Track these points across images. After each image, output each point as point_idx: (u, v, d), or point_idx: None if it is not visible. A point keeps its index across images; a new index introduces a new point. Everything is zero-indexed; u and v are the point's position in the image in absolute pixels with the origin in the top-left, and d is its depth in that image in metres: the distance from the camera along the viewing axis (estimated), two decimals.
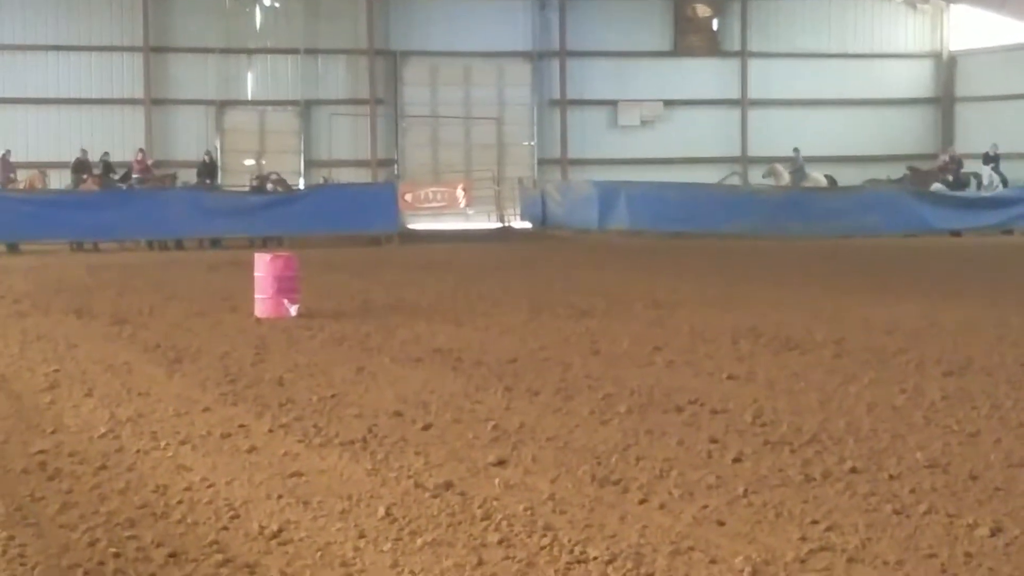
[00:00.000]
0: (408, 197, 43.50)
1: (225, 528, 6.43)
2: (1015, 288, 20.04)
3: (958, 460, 7.65)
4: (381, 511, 6.58)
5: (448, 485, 7.12)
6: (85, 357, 12.71)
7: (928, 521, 6.33)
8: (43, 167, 37.85)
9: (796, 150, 42.37)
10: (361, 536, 6.21)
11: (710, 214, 37.40)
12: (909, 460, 7.65)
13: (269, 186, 37.58)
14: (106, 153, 38.11)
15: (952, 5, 49.21)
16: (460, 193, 44.73)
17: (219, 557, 5.95)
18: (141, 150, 39.36)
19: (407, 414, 9.29)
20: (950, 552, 5.86)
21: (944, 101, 49.80)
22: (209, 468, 7.69)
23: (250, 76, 45.46)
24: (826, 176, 41.80)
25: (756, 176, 44.18)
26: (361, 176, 44.54)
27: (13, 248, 32.75)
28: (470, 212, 44.81)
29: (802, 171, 41.65)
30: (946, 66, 49.88)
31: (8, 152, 37.08)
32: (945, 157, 42.07)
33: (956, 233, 37.87)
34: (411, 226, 41.37)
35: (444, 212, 44.76)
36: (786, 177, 41.17)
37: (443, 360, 12.21)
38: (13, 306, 18.01)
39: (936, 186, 40.12)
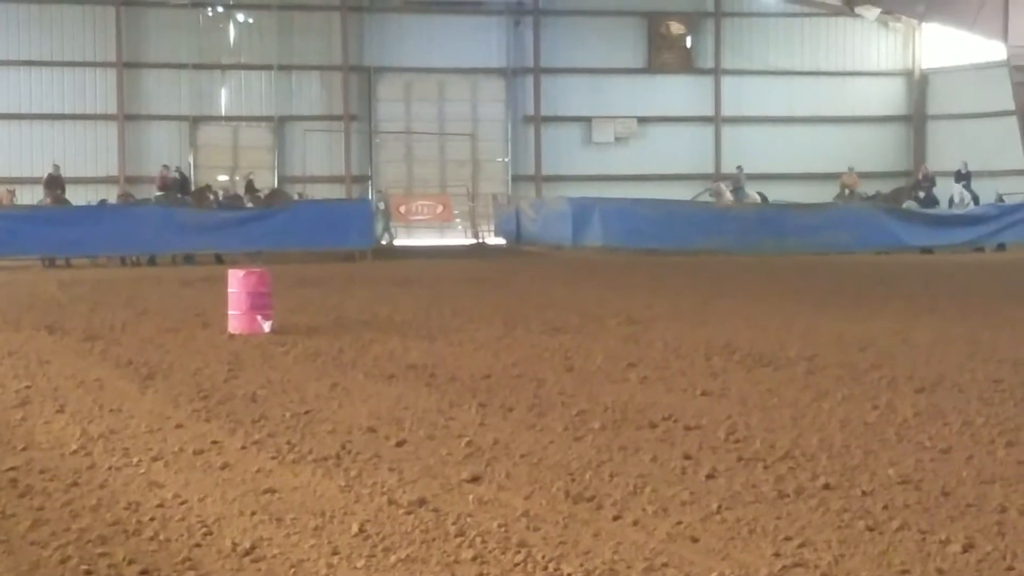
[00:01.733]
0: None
1: (198, 545, 6.40)
2: (986, 305, 20.12)
3: (930, 476, 7.67)
4: (355, 528, 6.57)
5: (422, 502, 7.11)
6: (57, 373, 12.65)
7: (901, 537, 6.35)
8: (14, 182, 37.70)
9: (739, 168, 42.75)
10: (335, 553, 6.19)
11: (684, 231, 37.50)
12: (882, 476, 7.66)
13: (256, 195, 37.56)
14: (177, 168, 38.29)
15: (924, 24, 49.47)
16: (438, 208, 44.87)
17: (192, 574, 5.92)
18: (165, 165, 39.38)
19: (381, 430, 9.27)
20: (922, 568, 5.87)
21: (916, 119, 50.06)
22: (182, 485, 7.66)
23: (223, 92, 45.44)
24: (758, 193, 42.03)
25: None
26: (335, 192, 44.52)
27: None
28: (458, 224, 44.94)
29: (743, 189, 41.94)
30: (918, 84, 50.16)
31: None
32: (924, 172, 42.47)
33: (928, 250, 38.04)
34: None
35: (436, 223, 44.86)
36: (728, 195, 41.41)
37: (417, 376, 12.19)
38: None
39: (908, 203, 40.33)
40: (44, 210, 35.33)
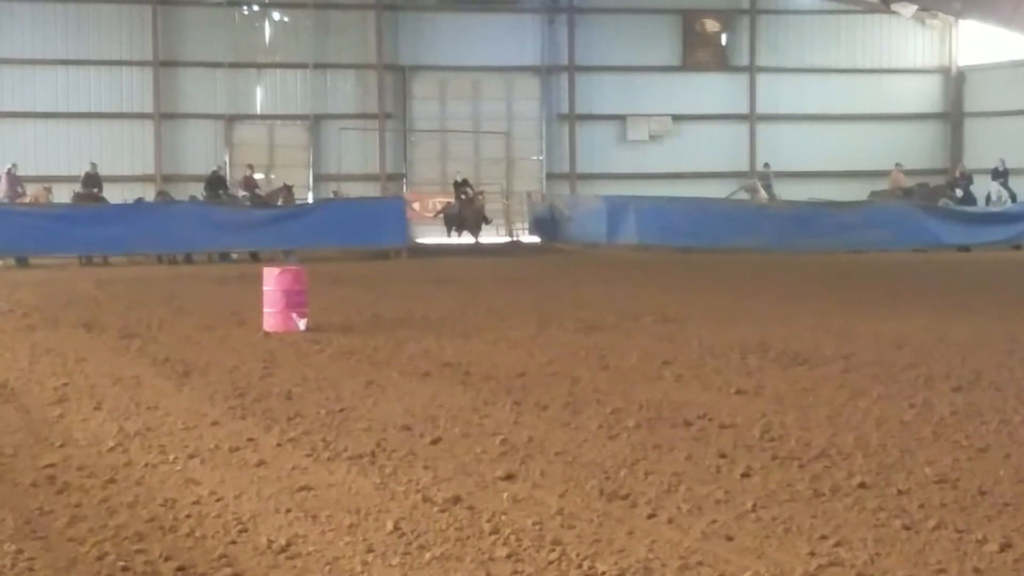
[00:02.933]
0: (416, 206, 43.60)
1: (233, 542, 6.43)
2: None
3: (967, 475, 7.64)
4: (389, 525, 6.58)
5: (456, 499, 7.12)
6: (94, 371, 12.72)
7: (937, 536, 6.32)
8: (52, 181, 37.87)
9: (766, 165, 42.65)
10: (369, 550, 6.20)
11: (719, 229, 37.41)
12: (918, 475, 7.63)
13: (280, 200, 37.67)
14: (219, 167, 38.60)
15: (961, 20, 49.18)
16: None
17: (228, 571, 5.94)
18: (249, 165, 39.58)
19: (415, 428, 9.28)
20: (959, 568, 5.84)
21: (953, 116, 49.77)
22: (218, 482, 7.69)
23: (259, 90, 45.54)
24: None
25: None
26: (370, 190, 44.57)
27: (22, 262, 32.80)
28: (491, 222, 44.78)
29: (771, 186, 41.90)
30: (955, 81, 49.86)
31: (15, 166, 37.05)
32: (961, 170, 42.38)
33: (965, 248, 37.82)
34: (419, 239, 41.46)
35: (434, 224, 44.74)
36: (763, 193, 41.33)
37: (452, 374, 12.21)
38: (22, 320, 18.04)
39: (943, 201, 40.15)
40: (81, 209, 35.48)
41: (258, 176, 43.35)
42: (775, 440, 8.76)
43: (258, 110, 45.67)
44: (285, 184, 39.13)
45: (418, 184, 46.47)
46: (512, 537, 6.36)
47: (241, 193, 37.75)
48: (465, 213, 41.34)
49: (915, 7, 48.40)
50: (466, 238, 41.50)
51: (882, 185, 43.54)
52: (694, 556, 6.02)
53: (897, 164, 42.95)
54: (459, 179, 41.35)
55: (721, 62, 48.60)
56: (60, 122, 43.18)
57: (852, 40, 49.20)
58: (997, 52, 48.62)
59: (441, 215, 42.85)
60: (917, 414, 9.72)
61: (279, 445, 8.80)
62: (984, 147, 46.27)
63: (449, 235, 42.00)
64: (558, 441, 8.78)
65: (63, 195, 37.40)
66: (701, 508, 6.93)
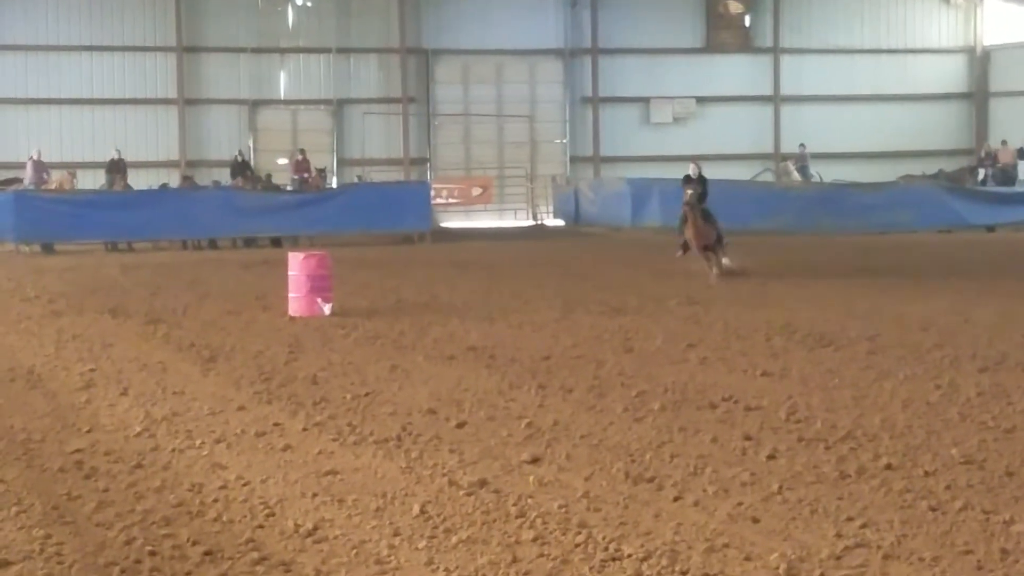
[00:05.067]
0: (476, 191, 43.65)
1: (260, 526, 6.45)
2: None
3: (994, 456, 7.62)
4: (415, 509, 6.60)
5: (482, 483, 7.13)
6: (120, 356, 12.77)
7: (964, 517, 6.31)
8: (76, 167, 37.94)
9: (802, 145, 42.53)
10: (396, 534, 6.22)
11: (743, 211, 37.22)
12: (944, 456, 7.62)
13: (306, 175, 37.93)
14: (240, 152, 38.76)
15: (985, 0, 48.91)
16: (476, 191, 44.68)
17: (255, 555, 5.97)
18: (301, 150, 39.60)
19: (441, 412, 9.30)
20: (986, 548, 5.83)
21: (978, 96, 49.49)
22: (244, 466, 7.72)
23: (283, 75, 45.52)
24: (816, 173, 42.02)
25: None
26: (394, 174, 44.56)
27: (48, 248, 32.90)
28: (486, 208, 44.65)
29: (807, 168, 41.74)
30: (980, 61, 49.58)
31: (39, 153, 37.16)
32: (986, 149, 42.19)
33: (991, 228, 37.66)
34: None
35: (469, 206, 44.74)
36: (796, 175, 41.16)
37: (476, 358, 12.22)
38: (48, 306, 18.10)
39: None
40: (106, 195, 35.56)
41: (281, 161, 43.50)
42: (801, 422, 8.75)
43: (281, 95, 45.64)
44: (316, 168, 39.28)
45: (442, 168, 46.44)
46: (538, 520, 6.38)
47: (292, 177, 38.00)
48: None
49: None
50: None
51: (907, 166, 43.38)
52: (720, 538, 6.03)
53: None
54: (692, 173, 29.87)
55: (745, 43, 48.39)
56: (84, 108, 43.23)
57: (876, 20, 48.94)
58: (1022, 31, 48.35)
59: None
60: (943, 395, 9.70)
61: (305, 429, 8.83)
62: (1009, 127, 46.01)
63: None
64: (583, 424, 8.79)
65: (88, 182, 37.48)
66: (727, 490, 6.93)
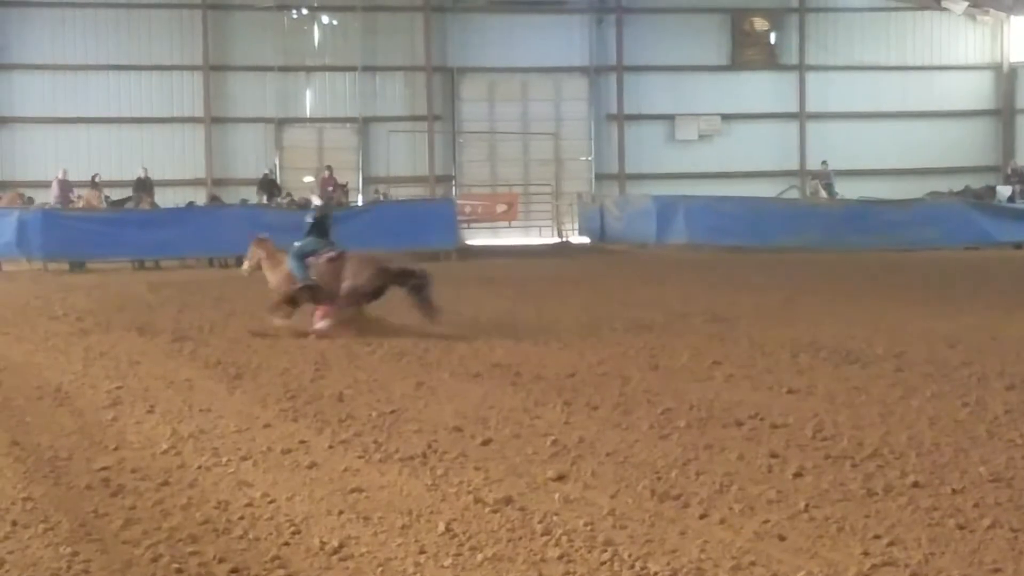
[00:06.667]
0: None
1: (286, 544, 6.46)
2: None
3: (1022, 474, 7.59)
4: (441, 527, 6.60)
5: (508, 500, 7.13)
6: (147, 374, 12.80)
7: (992, 536, 6.28)
8: (104, 186, 38.09)
9: (824, 163, 42.44)
10: (421, 552, 6.22)
11: (769, 228, 37.24)
12: (972, 474, 7.59)
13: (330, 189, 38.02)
14: (269, 170, 38.96)
15: (1012, 16, 48.80)
16: (501, 208, 44.72)
17: (281, 573, 5.98)
18: (328, 167, 39.78)
19: (466, 429, 9.30)
20: (1015, 567, 5.80)
21: (1005, 113, 49.38)
22: (270, 484, 7.73)
23: (308, 93, 45.70)
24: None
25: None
26: (419, 192, 44.66)
27: (77, 266, 33.03)
28: (511, 225, 44.67)
29: (832, 185, 41.69)
30: (1007, 77, 49.47)
31: (66, 172, 37.33)
32: (1013, 166, 42.06)
33: (1019, 245, 37.52)
34: (486, 239, 41.49)
35: (494, 223, 44.76)
36: (823, 194, 41.15)
37: (502, 375, 12.22)
38: (76, 324, 18.16)
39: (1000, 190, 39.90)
40: (133, 213, 35.69)
41: (307, 179, 43.61)
42: (827, 439, 8.72)
43: (307, 113, 45.82)
44: (338, 183, 39.39)
45: (467, 186, 46.53)
46: (564, 538, 6.37)
47: (321, 193, 38.28)
48: None
49: (966, 3, 48.08)
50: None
51: (933, 183, 43.30)
52: (746, 556, 6.01)
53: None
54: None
55: (770, 60, 48.39)
56: (111, 127, 43.46)
57: (902, 37, 48.90)
58: None
59: None
60: (971, 413, 9.66)
61: (331, 447, 8.84)
62: None
63: None
64: (609, 441, 8.78)
65: (114, 198, 37.63)
66: (753, 508, 6.91)
